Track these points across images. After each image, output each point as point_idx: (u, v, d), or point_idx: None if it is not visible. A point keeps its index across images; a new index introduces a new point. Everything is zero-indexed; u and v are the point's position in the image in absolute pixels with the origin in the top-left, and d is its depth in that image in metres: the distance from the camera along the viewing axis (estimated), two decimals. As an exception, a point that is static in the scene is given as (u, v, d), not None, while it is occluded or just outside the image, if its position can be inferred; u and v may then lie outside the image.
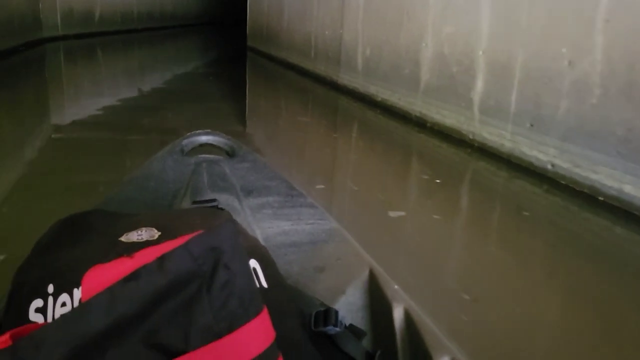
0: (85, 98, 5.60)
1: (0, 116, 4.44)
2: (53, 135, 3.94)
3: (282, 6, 8.33)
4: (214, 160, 1.28)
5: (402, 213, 2.55)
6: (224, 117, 4.77)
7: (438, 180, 3.11)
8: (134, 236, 0.60)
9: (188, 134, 1.39)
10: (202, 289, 0.45)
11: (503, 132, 3.36)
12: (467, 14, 3.68)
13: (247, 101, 6.04)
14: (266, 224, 1.03)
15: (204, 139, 1.39)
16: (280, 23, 8.43)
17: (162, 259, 0.46)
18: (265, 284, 0.63)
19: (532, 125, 3.11)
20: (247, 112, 5.39)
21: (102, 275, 0.46)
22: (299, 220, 1.06)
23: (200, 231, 0.49)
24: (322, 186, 2.95)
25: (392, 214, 2.50)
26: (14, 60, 7.45)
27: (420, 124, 4.31)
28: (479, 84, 3.59)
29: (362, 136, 4.52)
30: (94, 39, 11.87)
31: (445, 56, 3.95)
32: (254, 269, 0.64)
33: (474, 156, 3.51)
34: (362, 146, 4.15)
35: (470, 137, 3.70)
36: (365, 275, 0.89)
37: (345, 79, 5.85)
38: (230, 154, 1.37)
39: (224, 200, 1.03)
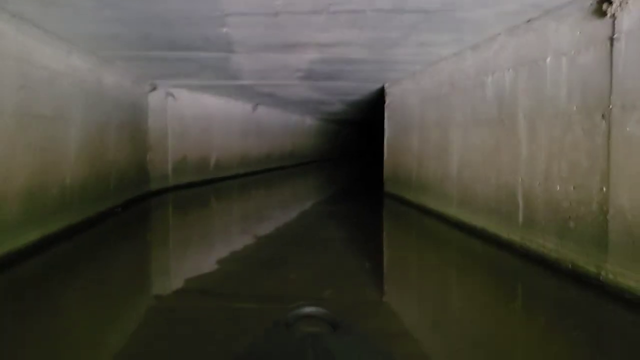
0: (194, 256, 4.83)
1: (90, 293, 3.59)
2: (151, 308, 3.29)
3: (446, 144, 6.08)
4: (319, 336, 1.24)
5: None
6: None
7: None
8: None
9: (291, 307, 1.38)
10: None
11: None
12: None
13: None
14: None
15: (307, 312, 1.38)
16: (445, 166, 6.12)
17: None
18: None
19: None
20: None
21: None
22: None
23: None
24: None
25: None
26: (109, 223, 5.83)
27: None
28: None
29: None
30: (208, 186, 10.48)
31: None
32: None
33: None
34: None
35: None
36: None
37: (630, 277, 3.15)
38: (334, 327, 1.33)
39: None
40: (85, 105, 5.72)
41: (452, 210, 5.83)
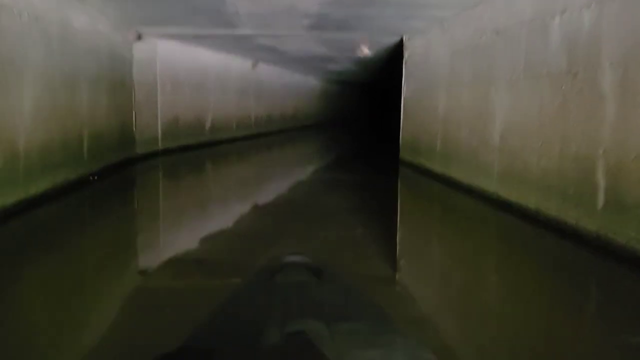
0: (185, 226, 4.27)
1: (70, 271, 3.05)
2: (136, 286, 2.74)
3: (485, 105, 5.04)
4: (302, 284, 1.27)
5: None
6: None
7: None
8: None
9: (275, 256, 1.47)
10: None
11: None
12: None
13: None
14: (356, 352, 0.97)
15: (291, 260, 1.41)
16: (483, 132, 5.10)
17: None
18: None
19: None
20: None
21: None
22: (390, 350, 0.99)
23: None
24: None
25: None
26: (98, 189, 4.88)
27: None
28: None
29: None
30: (203, 151, 9.48)
31: None
32: None
33: None
34: None
35: None
36: None
37: None
38: (318, 275, 1.33)
39: (313, 327, 0.99)
40: (46, 52, 4.65)
41: (491, 185, 4.84)
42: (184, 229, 4.16)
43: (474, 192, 5.21)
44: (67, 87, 5.11)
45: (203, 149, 9.60)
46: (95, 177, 5.71)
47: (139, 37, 7.52)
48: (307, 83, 17.06)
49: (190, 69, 9.27)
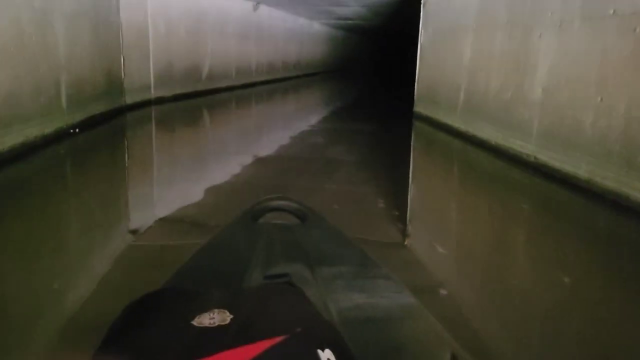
0: (181, 180, 3.91)
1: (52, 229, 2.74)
2: (127, 245, 2.47)
3: (524, 51, 4.33)
4: (286, 227, 1.26)
5: None
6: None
7: None
8: (205, 320, 0.60)
9: (258, 200, 1.33)
10: None
11: None
12: None
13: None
14: (339, 295, 0.95)
15: (274, 204, 1.34)
16: (520, 84, 4.41)
17: None
18: None
19: None
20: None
21: None
22: (374, 293, 0.98)
23: (274, 339, 0.52)
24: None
25: None
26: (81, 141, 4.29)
27: None
28: None
29: None
30: (200, 100, 8.79)
31: None
32: None
33: None
34: None
35: None
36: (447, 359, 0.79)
37: None
38: (302, 219, 1.31)
39: (296, 270, 0.97)
40: (9, -20, 3.91)
41: (528, 146, 4.20)
42: (175, 188, 3.59)
43: (504, 153, 4.58)
44: (37, 25, 4.38)
45: (200, 98, 8.88)
46: (77, 130, 5.07)
47: (126, -30, 6.67)
48: (312, 28, 16.05)
49: (186, 9, 8.41)
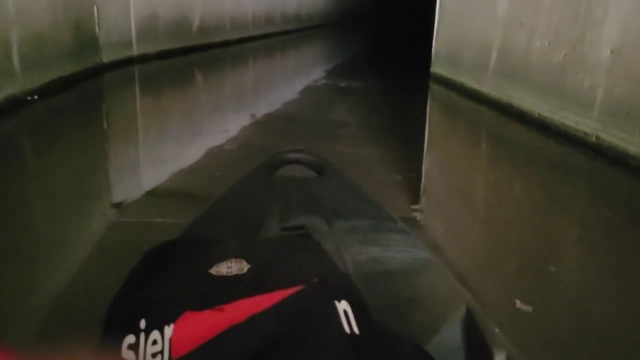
0: (170, 148, 3.45)
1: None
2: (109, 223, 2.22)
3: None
4: (303, 180, 1.25)
5: None
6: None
7: None
8: (223, 269, 0.60)
9: (275, 152, 1.33)
10: (293, 355, 0.46)
11: None
12: None
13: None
14: (355, 249, 0.95)
15: (291, 157, 1.34)
16: (577, 41, 3.54)
17: (251, 320, 0.49)
18: (356, 329, 0.56)
19: None
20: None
21: (193, 324, 0.50)
22: (389, 247, 0.97)
23: (291, 289, 0.53)
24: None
25: None
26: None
27: None
28: None
29: None
30: (190, 57, 7.87)
31: None
32: (345, 312, 0.57)
33: None
34: None
35: None
36: (461, 312, 0.76)
37: None
38: (319, 172, 1.31)
39: (312, 223, 0.98)
40: None
41: (587, 123, 3.38)
42: (163, 158, 3.20)
43: (552, 129, 3.76)
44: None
45: (190, 55, 7.94)
46: (35, 97, 4.23)
47: None
48: (313, -24, 14.81)
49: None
